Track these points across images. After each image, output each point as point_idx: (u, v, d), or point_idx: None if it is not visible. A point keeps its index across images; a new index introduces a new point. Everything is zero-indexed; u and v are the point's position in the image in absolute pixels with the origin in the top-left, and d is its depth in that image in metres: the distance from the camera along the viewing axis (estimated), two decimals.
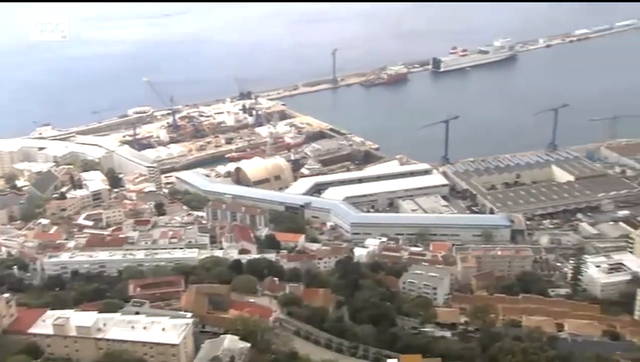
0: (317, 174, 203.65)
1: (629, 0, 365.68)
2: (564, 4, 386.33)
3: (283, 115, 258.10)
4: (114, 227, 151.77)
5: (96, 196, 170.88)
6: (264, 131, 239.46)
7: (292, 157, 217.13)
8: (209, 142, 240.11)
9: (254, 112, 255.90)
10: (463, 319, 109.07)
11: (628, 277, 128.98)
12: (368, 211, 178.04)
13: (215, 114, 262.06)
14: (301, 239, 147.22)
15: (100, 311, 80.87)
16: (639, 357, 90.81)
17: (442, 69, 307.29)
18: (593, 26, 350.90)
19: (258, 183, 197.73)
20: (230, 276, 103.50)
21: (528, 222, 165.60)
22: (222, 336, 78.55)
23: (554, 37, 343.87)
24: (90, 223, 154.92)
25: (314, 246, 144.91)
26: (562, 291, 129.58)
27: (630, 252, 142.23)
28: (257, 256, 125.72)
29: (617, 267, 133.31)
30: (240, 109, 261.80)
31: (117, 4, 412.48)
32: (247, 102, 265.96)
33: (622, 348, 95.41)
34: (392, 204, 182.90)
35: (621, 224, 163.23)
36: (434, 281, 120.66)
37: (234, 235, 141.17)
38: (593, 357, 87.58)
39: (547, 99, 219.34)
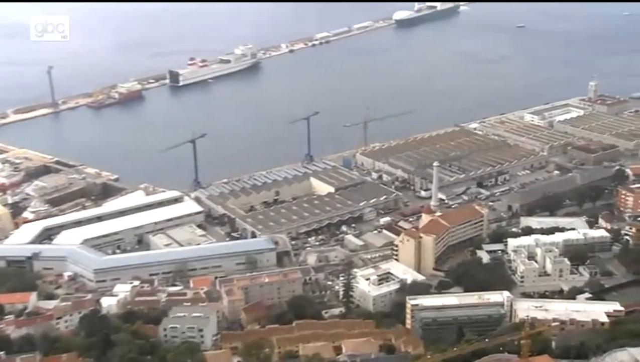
0: (46, 217, 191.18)
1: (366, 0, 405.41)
2: (303, 6, 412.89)
3: None
4: None
5: None
6: None
7: (10, 200, 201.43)
8: None
9: None
10: (236, 360, 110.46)
11: (397, 286, 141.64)
12: (114, 253, 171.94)
13: None
14: (32, 297, 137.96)
15: None
16: None
17: (181, 83, 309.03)
18: (332, 29, 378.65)
19: None
20: None
21: (293, 242, 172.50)
22: None
23: (297, 42, 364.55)
24: None
25: (50, 304, 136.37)
26: (337, 311, 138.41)
27: (396, 259, 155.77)
28: None
29: (385, 277, 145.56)
30: None
31: None
32: None
33: (397, 361, 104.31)
34: (141, 241, 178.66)
35: (384, 231, 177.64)
36: (199, 321, 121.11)
37: None
38: None
39: (297, 107, 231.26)
